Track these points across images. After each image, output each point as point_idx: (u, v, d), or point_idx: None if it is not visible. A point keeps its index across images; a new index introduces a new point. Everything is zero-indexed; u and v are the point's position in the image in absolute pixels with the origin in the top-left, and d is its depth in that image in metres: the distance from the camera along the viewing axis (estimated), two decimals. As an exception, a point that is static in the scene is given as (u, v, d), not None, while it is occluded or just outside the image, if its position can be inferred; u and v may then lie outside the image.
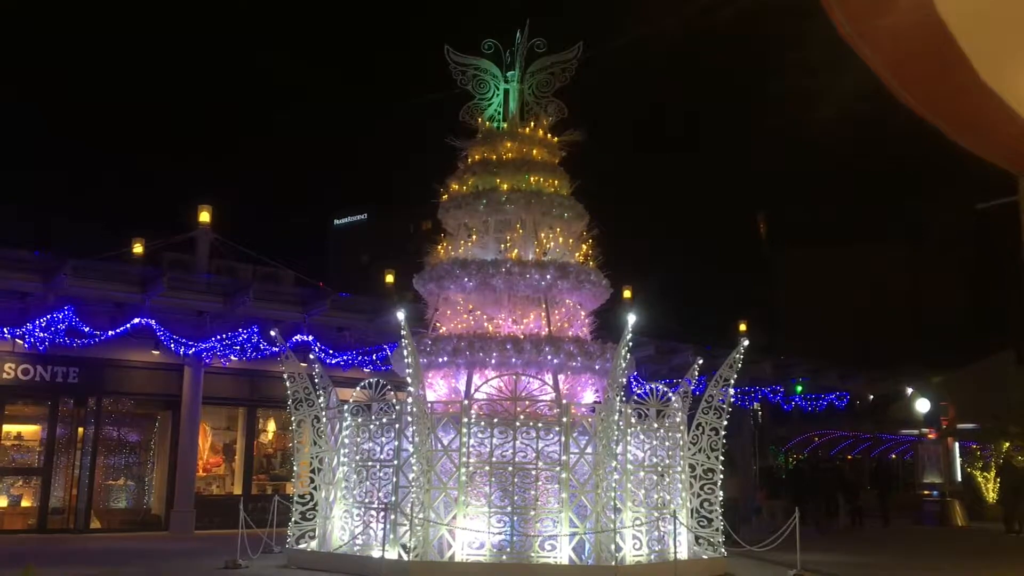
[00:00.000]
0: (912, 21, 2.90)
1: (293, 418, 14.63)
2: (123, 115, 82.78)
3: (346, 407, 13.95)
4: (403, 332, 12.50)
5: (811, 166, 60.77)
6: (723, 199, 68.08)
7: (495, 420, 12.68)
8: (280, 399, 15.81)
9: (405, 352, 12.62)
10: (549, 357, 13.48)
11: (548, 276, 14.03)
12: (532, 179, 15.04)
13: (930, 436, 32.27)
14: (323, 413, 14.19)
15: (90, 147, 77.06)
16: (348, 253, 75.84)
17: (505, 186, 14.81)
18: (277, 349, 15.08)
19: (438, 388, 14.24)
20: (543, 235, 14.82)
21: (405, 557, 12.02)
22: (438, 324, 14.86)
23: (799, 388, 32.90)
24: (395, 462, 12.83)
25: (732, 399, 14.18)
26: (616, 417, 12.54)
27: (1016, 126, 3.02)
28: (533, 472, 12.46)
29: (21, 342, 18.82)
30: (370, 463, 13.34)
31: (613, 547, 12.16)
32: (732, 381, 14.02)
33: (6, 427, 20.20)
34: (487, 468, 12.49)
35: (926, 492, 28.20)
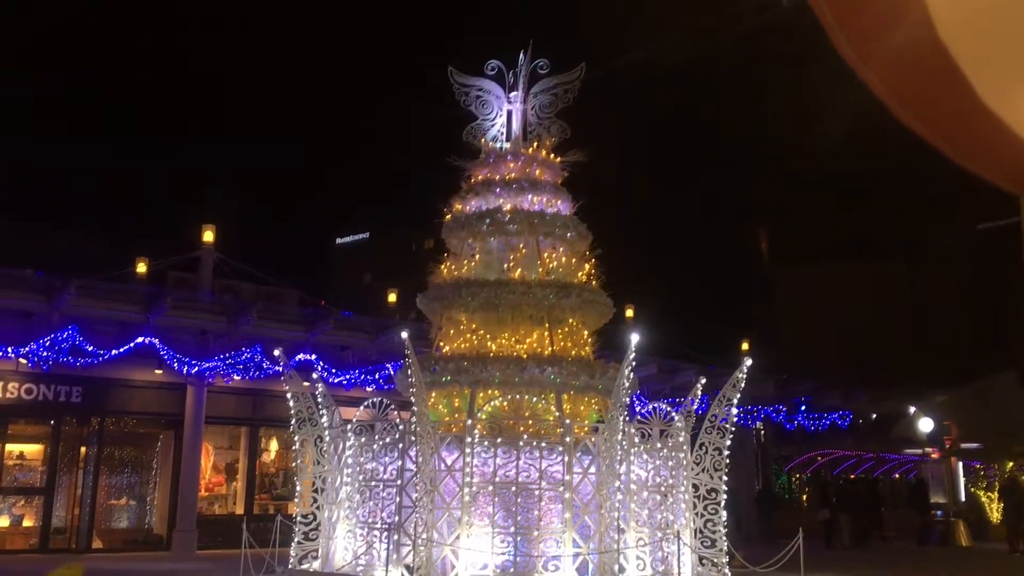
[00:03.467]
0: (913, 44, 2.93)
1: (296, 437, 14.62)
2: (126, 134, 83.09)
3: (349, 426, 13.94)
4: (407, 351, 12.51)
5: (813, 185, 60.83)
6: (725, 218, 68.16)
7: (498, 440, 12.68)
8: (283, 418, 15.82)
9: (409, 371, 12.63)
10: (552, 377, 13.48)
11: (551, 295, 14.05)
12: (535, 199, 15.10)
13: (933, 456, 32.17)
14: (326, 432, 14.18)
15: (94, 166, 77.31)
16: (350, 272, 75.91)
17: (508, 206, 14.86)
18: (280, 368, 15.10)
19: (441, 408, 14.25)
20: (546, 255, 14.86)
21: (408, 577, 11.99)
22: (441, 343, 14.88)
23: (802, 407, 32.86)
24: (398, 482, 12.82)
25: (735, 419, 14.16)
26: (619, 437, 12.53)
27: (1015, 147, 3.06)
28: (536, 492, 12.43)
29: (24, 361, 18.86)
30: (373, 483, 13.32)
31: (616, 568, 12.14)
32: (735, 401, 14.02)
33: (8, 446, 20.22)
34: (490, 488, 12.47)
35: (930, 512, 28.09)
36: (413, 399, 12.47)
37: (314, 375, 16.91)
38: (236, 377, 21.21)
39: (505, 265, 14.65)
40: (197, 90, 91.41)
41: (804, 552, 13.34)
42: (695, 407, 14.66)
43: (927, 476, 31.37)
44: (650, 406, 14.27)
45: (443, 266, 15.20)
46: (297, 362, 19.76)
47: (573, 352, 14.44)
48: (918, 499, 28.82)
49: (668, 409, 14.03)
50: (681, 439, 13.86)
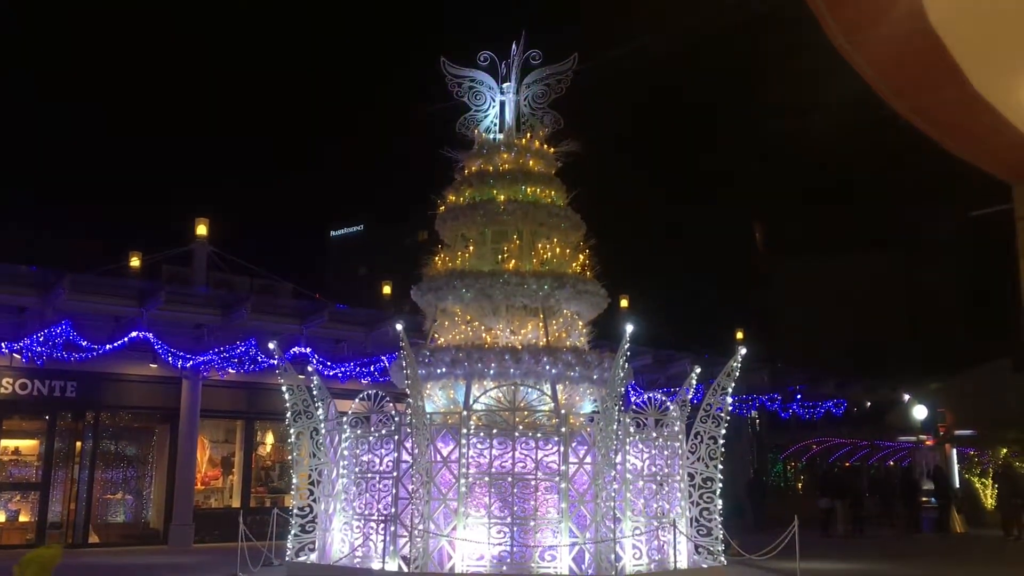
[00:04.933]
0: (905, 31, 2.93)
1: (292, 430, 14.63)
2: (122, 131, 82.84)
3: (345, 419, 13.94)
4: (401, 343, 12.52)
5: (808, 175, 60.85)
6: (721, 208, 68.14)
7: (494, 431, 12.69)
8: (278, 411, 15.82)
9: (404, 363, 12.63)
10: (547, 367, 13.49)
11: (545, 286, 14.04)
12: (528, 190, 15.07)
13: (928, 443, 32.30)
14: (322, 425, 14.18)
15: (86, 161, 77.07)
16: (345, 264, 75.93)
17: (502, 197, 14.84)
18: (275, 361, 15.08)
19: (437, 399, 14.25)
20: (540, 245, 14.85)
21: (405, 569, 12.01)
22: (436, 335, 14.88)
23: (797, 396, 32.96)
24: (394, 473, 12.84)
25: (730, 408, 14.20)
26: (615, 427, 12.55)
27: (1008, 135, 3.06)
28: (532, 482, 12.46)
29: (19, 356, 18.81)
30: (369, 475, 13.33)
31: (613, 557, 12.16)
32: (730, 390, 14.04)
33: (4, 442, 20.18)
34: (486, 479, 12.49)
35: (925, 499, 28.19)
36: (408, 391, 12.48)
37: (309, 368, 16.89)
38: (231, 371, 21.18)
39: (499, 256, 14.64)
40: (191, 85, 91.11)
41: (800, 540, 13.39)
42: (690, 396, 14.69)
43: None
44: (645, 396, 14.30)
45: (437, 258, 15.19)
46: (292, 355, 19.72)
47: (568, 343, 14.45)
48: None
49: (663, 399, 14.05)
50: (676, 428, 13.88)
